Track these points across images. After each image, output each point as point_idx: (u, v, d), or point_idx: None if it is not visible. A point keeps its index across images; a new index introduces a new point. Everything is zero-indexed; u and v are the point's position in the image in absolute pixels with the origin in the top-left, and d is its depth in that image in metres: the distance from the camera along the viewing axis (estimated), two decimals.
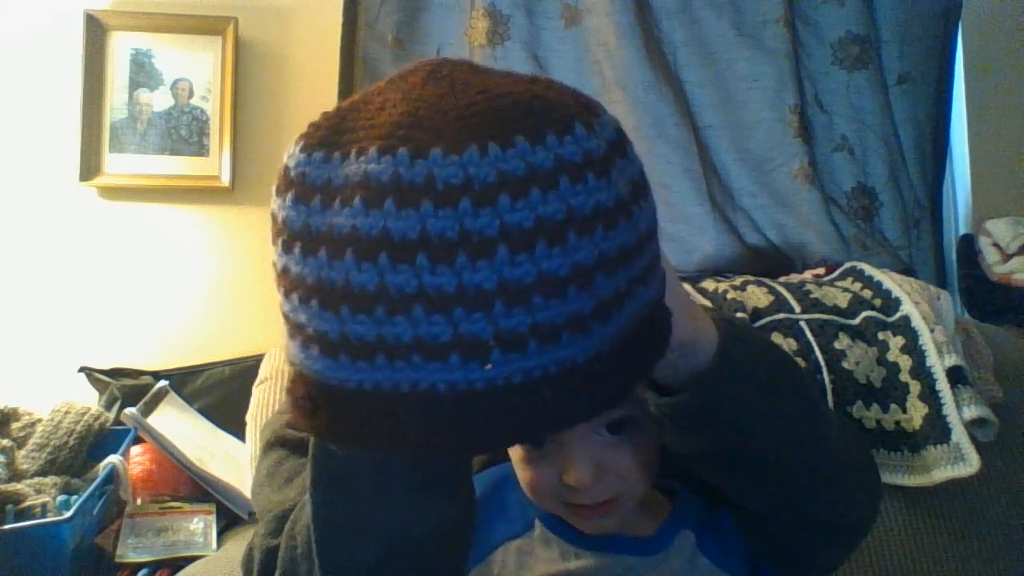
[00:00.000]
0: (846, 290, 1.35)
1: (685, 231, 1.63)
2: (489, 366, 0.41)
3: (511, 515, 0.68)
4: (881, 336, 1.25)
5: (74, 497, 1.15)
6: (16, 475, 1.20)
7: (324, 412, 0.44)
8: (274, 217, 0.46)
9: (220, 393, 1.52)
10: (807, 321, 1.27)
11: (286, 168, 0.45)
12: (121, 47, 1.60)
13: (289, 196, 0.44)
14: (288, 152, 0.46)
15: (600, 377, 0.44)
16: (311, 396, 0.45)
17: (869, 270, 1.39)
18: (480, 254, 0.41)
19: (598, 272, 0.43)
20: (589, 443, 0.61)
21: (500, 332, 0.41)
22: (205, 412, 1.50)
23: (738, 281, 1.40)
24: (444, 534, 0.56)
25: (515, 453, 0.65)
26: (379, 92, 0.47)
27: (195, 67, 1.61)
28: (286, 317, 0.45)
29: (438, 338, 0.41)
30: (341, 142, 0.44)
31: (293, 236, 0.44)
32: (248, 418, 1.33)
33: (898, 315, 1.27)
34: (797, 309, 1.29)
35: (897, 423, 1.20)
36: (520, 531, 0.67)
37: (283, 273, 0.45)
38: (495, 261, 0.41)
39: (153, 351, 1.56)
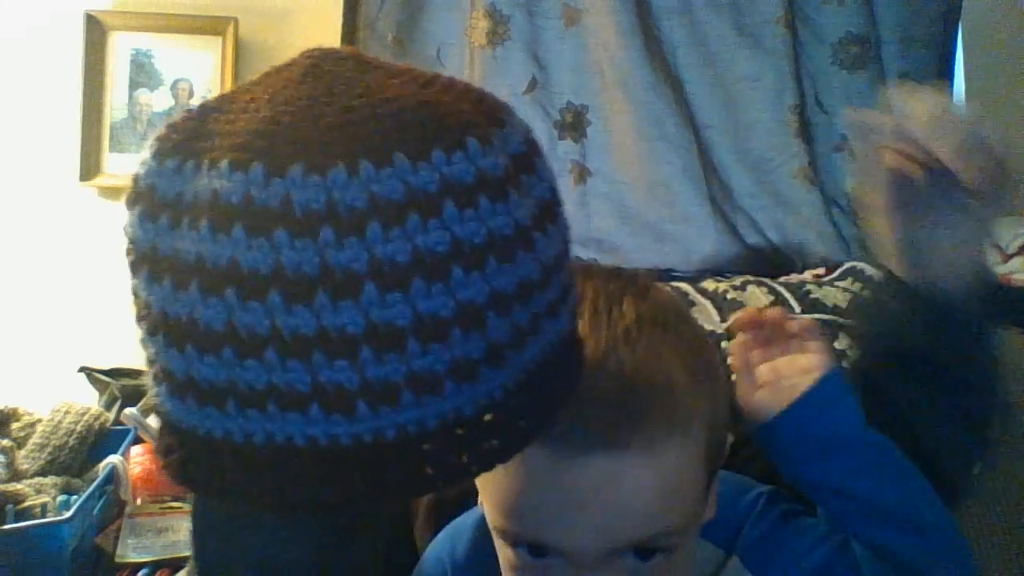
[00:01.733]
0: (846, 290, 1.35)
1: (685, 231, 1.63)
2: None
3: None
4: None
5: (74, 497, 1.15)
6: (16, 475, 1.20)
7: (176, 454, 0.40)
8: (124, 232, 0.40)
9: None
10: None
11: (136, 177, 0.40)
12: (121, 47, 1.60)
13: (137, 211, 0.39)
14: (140, 157, 0.40)
15: (494, 428, 0.38)
16: (164, 435, 0.40)
17: (869, 270, 1.39)
18: (343, 293, 0.35)
19: (490, 311, 0.37)
20: (610, 569, 0.47)
21: (368, 382, 0.36)
22: None
23: (738, 281, 1.40)
24: (325, 564, 0.50)
25: (502, 553, 0.52)
26: (249, 88, 0.40)
27: (195, 67, 1.61)
28: (141, 344, 0.41)
29: (295, 386, 0.35)
30: (196, 149, 0.37)
31: (140, 258, 0.39)
32: None
33: None
34: (797, 309, 1.29)
35: None
36: None
37: (133, 296, 0.40)
38: (361, 301, 0.35)
39: None
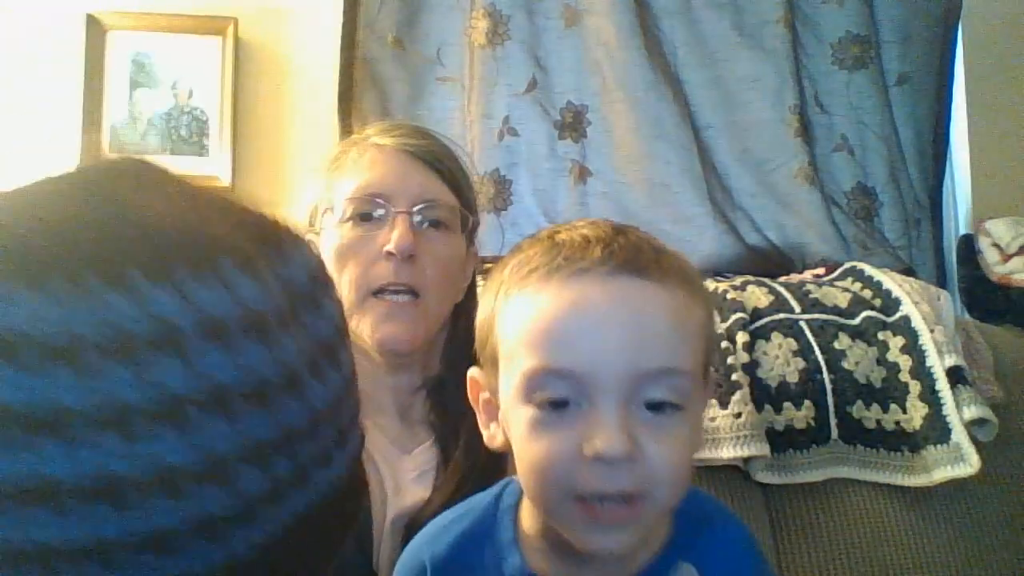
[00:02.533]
0: (846, 290, 1.35)
1: (685, 231, 1.63)
2: None
3: (488, 573, 0.60)
4: (881, 336, 1.26)
5: None
6: None
7: None
8: None
9: None
10: (807, 321, 1.27)
11: None
12: (121, 47, 1.60)
13: None
14: None
15: None
16: None
17: (869, 270, 1.39)
18: (56, 436, 0.30)
19: (241, 464, 0.33)
20: (624, 411, 0.51)
21: (76, 539, 0.31)
22: None
23: (738, 281, 1.40)
24: None
25: (522, 420, 0.54)
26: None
27: (195, 67, 1.61)
28: None
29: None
30: None
31: None
32: None
33: (898, 315, 1.27)
34: (797, 309, 1.29)
35: (897, 423, 1.20)
36: None
37: None
38: (70, 447, 0.30)
39: None
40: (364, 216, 0.86)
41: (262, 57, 1.65)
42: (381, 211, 0.85)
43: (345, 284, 0.84)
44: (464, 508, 0.65)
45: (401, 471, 0.85)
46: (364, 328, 0.84)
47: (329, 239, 0.87)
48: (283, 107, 1.66)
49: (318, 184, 0.91)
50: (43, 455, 0.30)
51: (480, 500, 0.64)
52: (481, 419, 0.62)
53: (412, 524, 0.79)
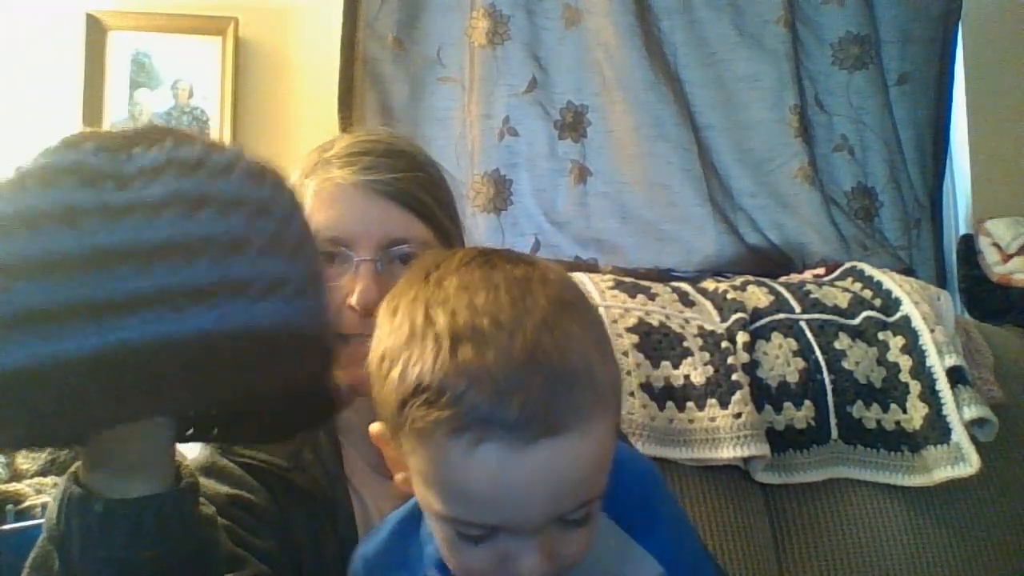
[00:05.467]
0: (846, 290, 1.35)
1: (685, 231, 1.63)
2: None
3: (411, 567, 0.61)
4: (881, 336, 1.26)
5: None
6: (16, 475, 1.20)
7: None
8: None
9: None
10: (807, 321, 1.27)
11: None
12: (121, 47, 1.60)
13: None
14: None
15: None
16: None
17: (869, 270, 1.39)
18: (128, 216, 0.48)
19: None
20: (544, 538, 0.52)
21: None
22: None
23: (738, 281, 1.40)
24: None
25: (438, 529, 0.56)
26: None
27: (195, 67, 1.61)
28: None
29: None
30: None
31: None
32: None
33: (898, 315, 1.28)
34: (797, 309, 1.29)
35: (897, 423, 1.20)
36: None
37: None
38: (126, 226, 0.48)
39: None
40: (326, 256, 0.78)
41: (262, 57, 1.65)
42: (343, 256, 0.79)
43: None
44: (399, 509, 0.65)
45: (382, 497, 0.81)
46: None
47: None
48: (283, 107, 1.66)
49: None
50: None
51: (412, 499, 0.64)
52: (391, 465, 0.60)
53: None
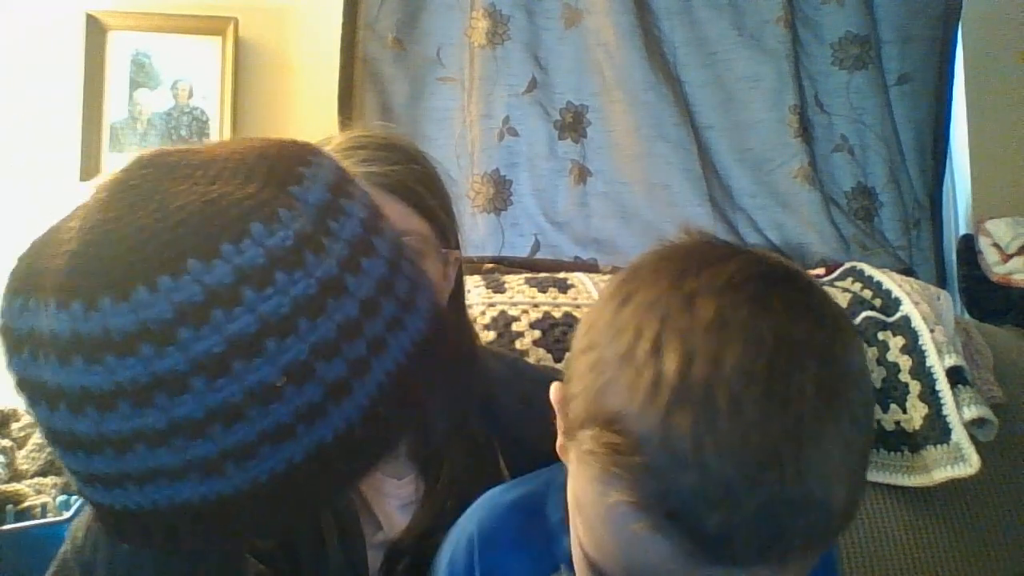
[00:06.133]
0: (846, 290, 1.35)
1: None
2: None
3: (534, 552, 0.57)
4: (881, 336, 1.25)
5: (74, 497, 1.15)
6: (16, 475, 1.20)
7: (107, 523, 0.48)
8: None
9: None
10: None
11: None
12: (121, 47, 1.60)
13: (5, 346, 0.45)
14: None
15: (367, 436, 0.45)
16: (94, 510, 0.48)
17: (869, 270, 1.39)
18: (177, 390, 0.41)
19: (317, 361, 0.43)
20: None
21: (226, 449, 0.42)
22: None
23: None
24: None
25: (575, 552, 0.50)
26: (71, 217, 0.46)
27: (195, 67, 1.61)
28: None
29: (170, 465, 0.43)
30: (31, 286, 0.44)
31: (19, 385, 0.45)
32: None
33: (898, 315, 1.27)
34: None
35: (897, 423, 1.20)
36: (545, 573, 0.57)
37: (28, 411, 0.46)
38: (196, 393, 0.41)
39: None
40: None
41: (262, 57, 1.65)
42: None
43: None
44: (519, 480, 0.62)
45: (387, 497, 0.81)
46: None
47: None
48: (283, 107, 1.66)
49: None
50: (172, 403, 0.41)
51: (538, 473, 0.61)
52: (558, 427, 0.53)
53: (392, 552, 0.77)
